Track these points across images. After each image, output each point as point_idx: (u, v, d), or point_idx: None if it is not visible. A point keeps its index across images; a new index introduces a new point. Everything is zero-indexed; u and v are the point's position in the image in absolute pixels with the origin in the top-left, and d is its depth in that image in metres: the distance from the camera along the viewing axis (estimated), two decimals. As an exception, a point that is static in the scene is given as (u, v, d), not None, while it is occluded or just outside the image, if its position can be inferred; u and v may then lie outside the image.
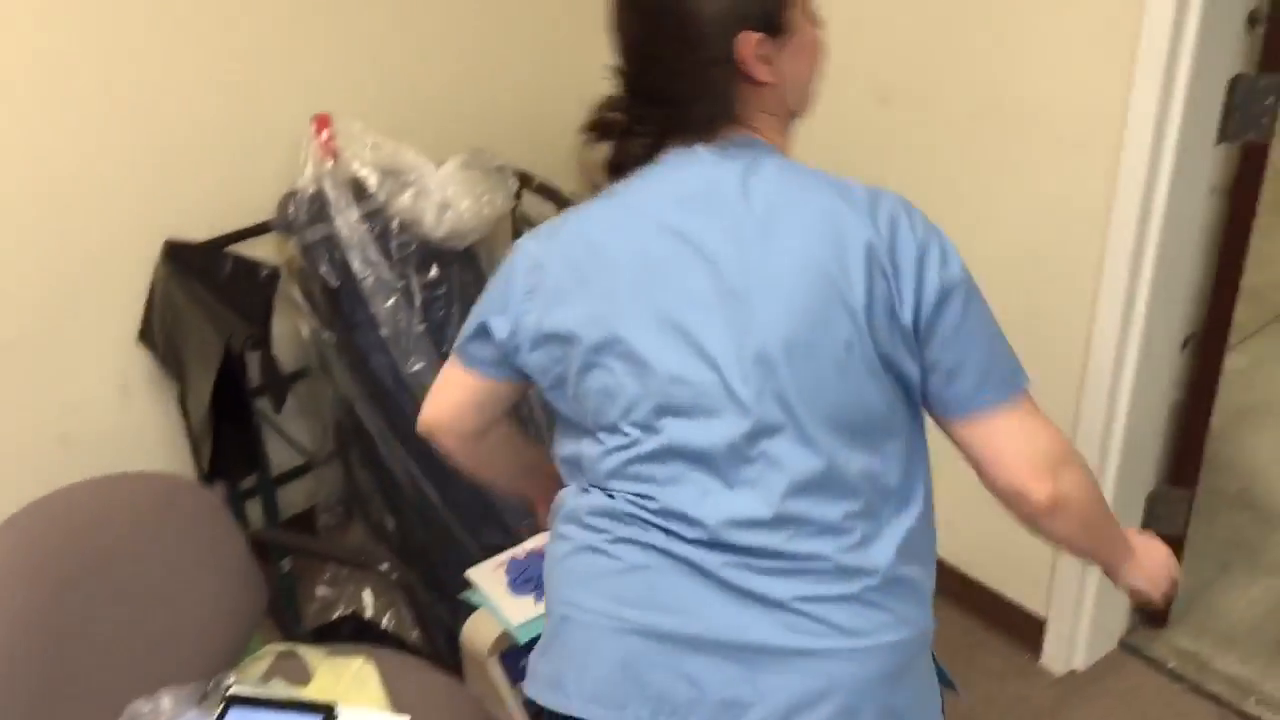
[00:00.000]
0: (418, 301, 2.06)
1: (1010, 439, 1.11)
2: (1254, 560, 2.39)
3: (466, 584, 1.72)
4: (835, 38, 2.00)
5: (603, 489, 1.15)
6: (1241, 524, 2.49)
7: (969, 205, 1.96)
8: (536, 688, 1.15)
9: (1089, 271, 1.84)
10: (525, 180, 2.28)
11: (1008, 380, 1.11)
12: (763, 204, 1.09)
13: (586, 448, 1.16)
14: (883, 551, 1.10)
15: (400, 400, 2.04)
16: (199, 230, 2.06)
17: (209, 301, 1.94)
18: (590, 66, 2.51)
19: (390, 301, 2.02)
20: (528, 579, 1.71)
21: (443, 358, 2.06)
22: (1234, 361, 2.93)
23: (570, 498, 1.19)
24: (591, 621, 1.12)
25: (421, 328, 2.04)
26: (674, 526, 1.10)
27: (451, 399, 1.29)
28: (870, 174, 2.07)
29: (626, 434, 1.12)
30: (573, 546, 1.16)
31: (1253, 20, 1.74)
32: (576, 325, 1.13)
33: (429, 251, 2.07)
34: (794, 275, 1.07)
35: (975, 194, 1.95)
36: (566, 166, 2.47)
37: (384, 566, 1.74)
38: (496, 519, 2.09)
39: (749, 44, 1.10)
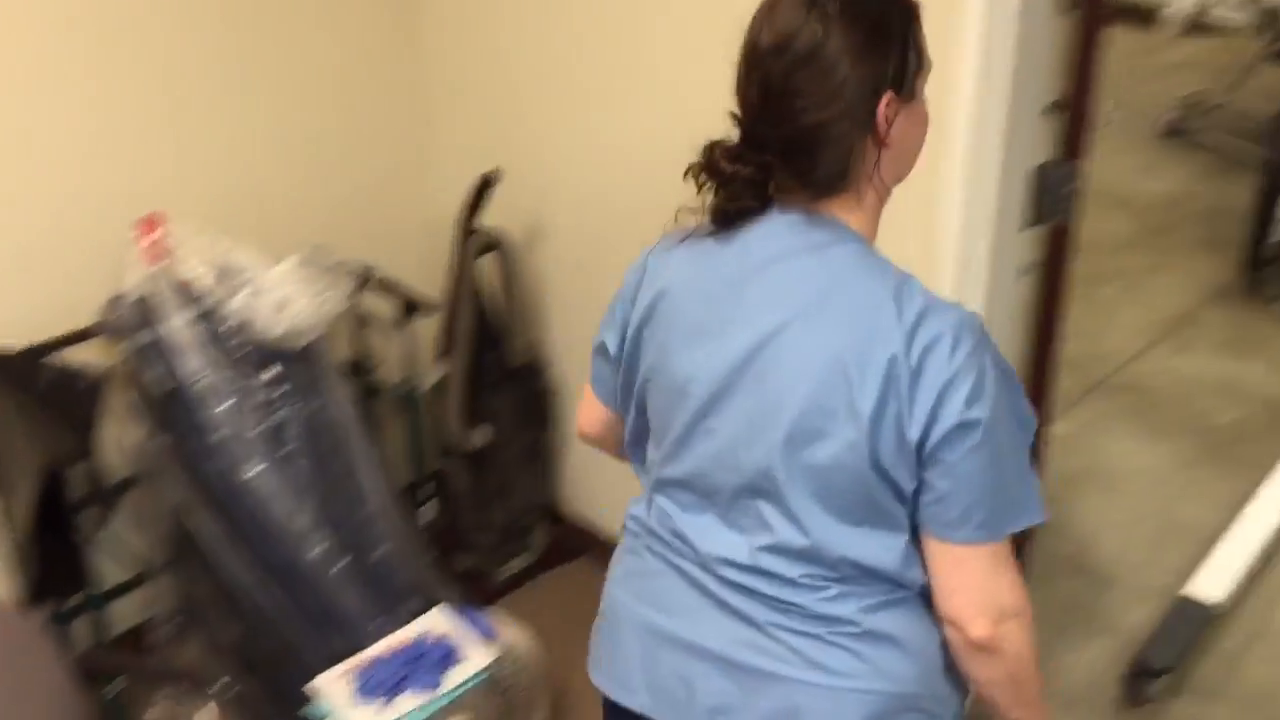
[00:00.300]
0: (256, 403, 2.01)
1: (970, 577, 1.14)
2: (1089, 622, 2.48)
3: (312, 695, 1.66)
4: (659, 125, 2.09)
5: (649, 499, 1.30)
6: (1076, 588, 2.59)
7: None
8: (589, 663, 1.33)
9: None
10: (365, 276, 2.26)
11: (991, 527, 1.13)
12: (816, 292, 1.13)
13: (651, 453, 1.30)
14: (860, 606, 1.17)
15: (237, 506, 1.97)
16: (17, 337, 1.98)
17: (29, 413, 1.86)
18: (431, 160, 2.55)
19: (225, 405, 1.96)
20: (375, 685, 1.66)
21: (284, 460, 2.02)
22: (1060, 429, 3.07)
23: (633, 503, 1.33)
24: (622, 615, 1.29)
25: (259, 430, 1.99)
26: (681, 546, 1.24)
27: (589, 415, 1.43)
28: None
29: (667, 454, 1.25)
30: (624, 547, 1.33)
31: (1055, 107, 1.86)
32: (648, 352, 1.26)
33: (266, 351, 2.03)
34: (815, 367, 1.12)
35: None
36: (408, 259, 2.47)
37: (221, 683, 1.66)
38: (343, 624, 2.03)
39: (889, 103, 1.12)
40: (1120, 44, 5.54)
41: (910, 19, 1.14)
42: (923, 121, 1.19)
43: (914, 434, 1.10)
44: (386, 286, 2.29)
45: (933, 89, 1.21)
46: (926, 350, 1.09)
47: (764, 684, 1.18)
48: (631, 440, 1.34)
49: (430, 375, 2.41)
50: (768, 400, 1.14)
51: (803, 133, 1.12)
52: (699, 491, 1.22)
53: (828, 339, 1.12)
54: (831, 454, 1.11)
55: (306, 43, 2.27)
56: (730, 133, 1.16)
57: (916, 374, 1.09)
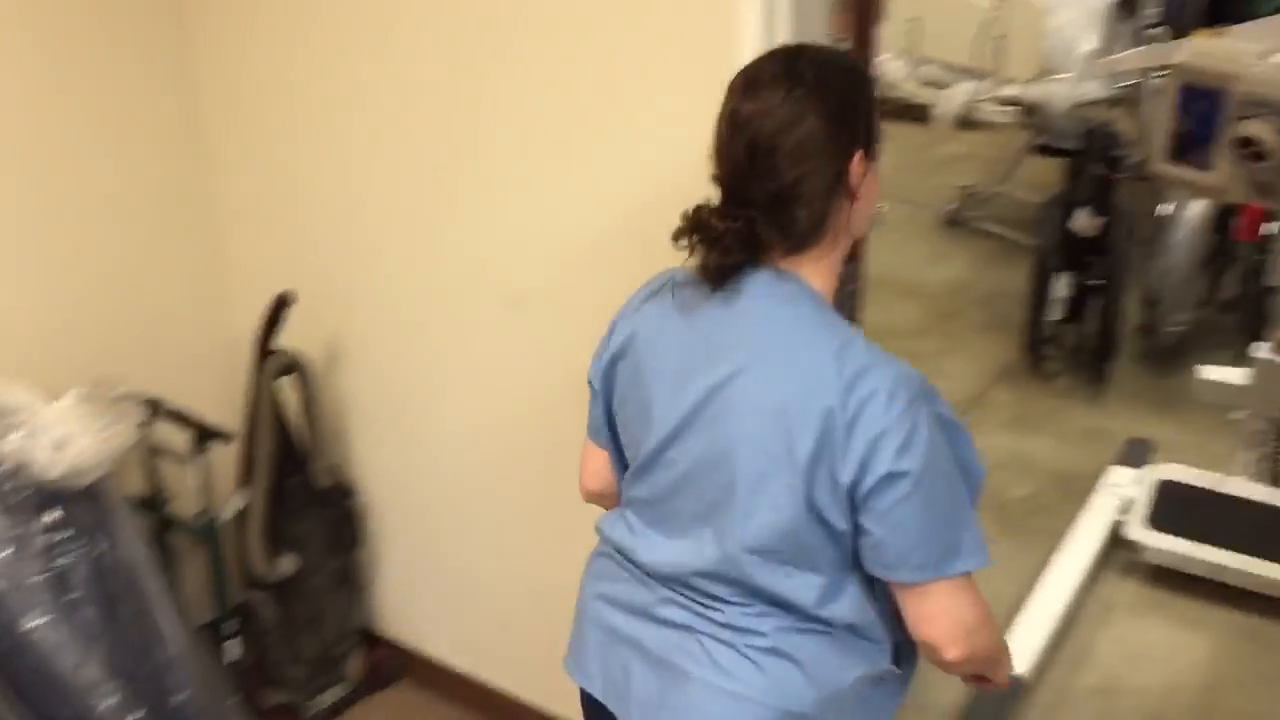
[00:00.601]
0: (35, 549, 1.89)
1: (930, 608, 1.26)
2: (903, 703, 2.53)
3: None
4: (464, 243, 2.10)
5: (621, 512, 1.46)
6: (892, 669, 2.64)
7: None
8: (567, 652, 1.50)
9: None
10: (155, 407, 2.17)
11: (929, 569, 1.24)
12: (770, 345, 1.27)
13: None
14: (777, 626, 1.31)
15: (18, 660, 1.84)
16: None
17: None
18: (225, 282, 2.49)
19: (1, 554, 1.84)
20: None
21: (69, 608, 1.90)
22: (868, 514, 3.16)
23: (606, 516, 1.49)
24: (589, 611, 1.45)
25: (40, 578, 1.87)
26: (633, 557, 1.41)
27: (590, 467, 1.55)
28: (503, 374, 2.14)
29: (633, 477, 1.41)
30: (596, 552, 1.49)
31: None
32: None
33: (46, 493, 1.91)
34: (762, 413, 1.25)
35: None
36: (204, 385, 2.38)
37: None
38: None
39: (859, 161, 1.26)
40: (901, 140, 5.89)
41: (872, 94, 1.31)
42: (877, 184, 1.32)
43: (845, 479, 1.22)
44: (177, 416, 2.20)
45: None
46: (862, 403, 1.20)
47: (680, 682, 1.33)
48: (620, 471, 1.49)
49: (230, 504, 2.32)
50: (719, 440, 1.28)
51: (786, 188, 1.24)
52: (658, 512, 1.38)
53: (775, 388, 1.25)
54: (771, 496, 1.25)
55: (84, 161, 2.19)
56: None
57: (851, 425, 1.20)
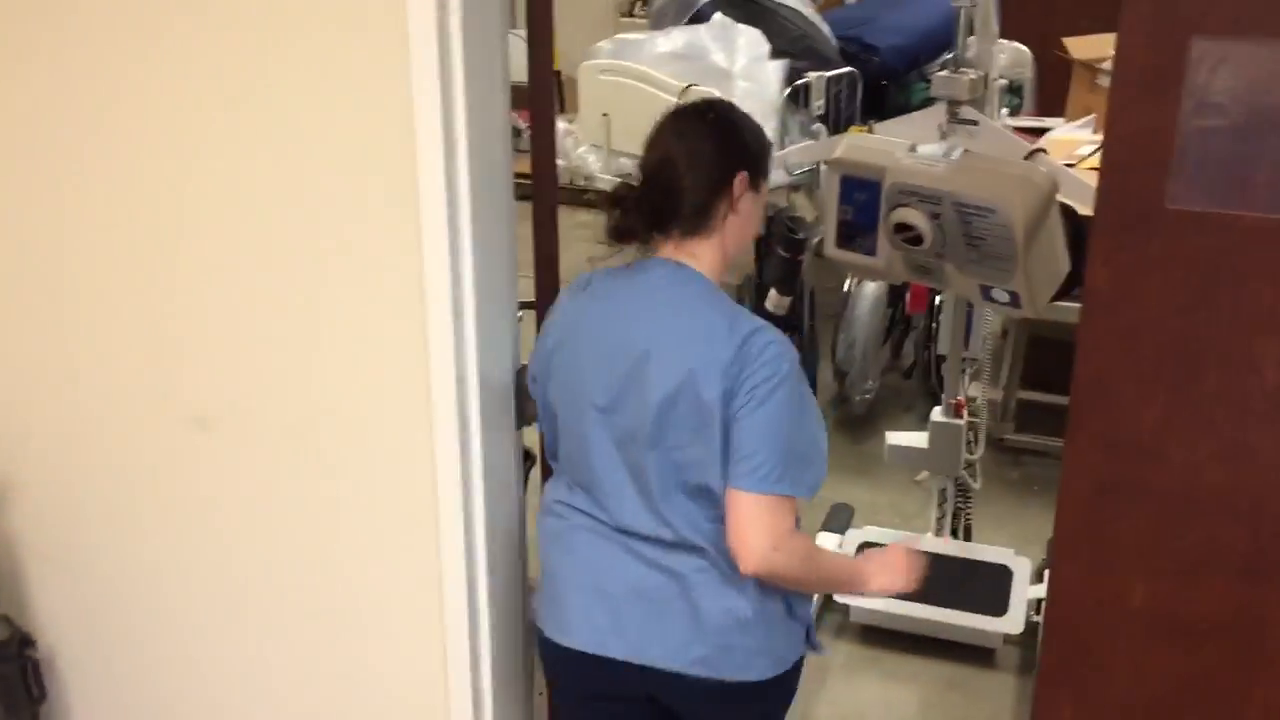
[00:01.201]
0: None
1: (741, 516, 1.61)
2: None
3: None
4: (143, 358, 1.98)
5: (567, 483, 1.79)
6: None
7: (300, 507, 1.96)
8: (537, 618, 1.84)
9: (430, 565, 1.90)
10: None
11: (764, 481, 1.59)
12: (675, 320, 1.65)
13: (564, 448, 1.79)
14: (689, 565, 1.68)
15: None
16: None
17: None
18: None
19: None
20: None
21: None
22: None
23: (552, 487, 1.84)
24: (557, 571, 1.80)
25: None
26: (593, 514, 1.74)
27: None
28: (191, 498, 2.03)
29: (575, 449, 1.75)
30: (551, 519, 1.82)
31: (524, 307, 1.97)
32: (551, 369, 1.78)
33: None
34: (675, 377, 1.62)
35: (309, 500, 1.95)
36: None
37: None
38: None
39: (742, 179, 1.68)
40: (602, 229, 6.05)
41: (762, 140, 1.75)
42: (756, 216, 1.75)
43: (732, 407, 1.60)
44: None
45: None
46: (755, 353, 1.60)
47: (656, 615, 1.69)
48: (549, 446, 1.83)
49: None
50: (643, 405, 1.63)
51: (677, 179, 1.67)
52: (599, 474, 1.70)
53: (684, 355, 1.62)
54: (693, 447, 1.61)
55: None
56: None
57: (743, 368, 1.59)
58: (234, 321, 1.89)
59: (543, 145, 1.95)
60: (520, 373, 1.95)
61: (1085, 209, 1.88)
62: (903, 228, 2.27)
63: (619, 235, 1.72)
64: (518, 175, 1.88)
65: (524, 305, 2.01)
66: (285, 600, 2.03)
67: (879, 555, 1.82)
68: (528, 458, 2.24)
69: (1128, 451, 1.66)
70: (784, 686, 1.78)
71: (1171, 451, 1.63)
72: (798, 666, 1.80)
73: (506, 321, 1.91)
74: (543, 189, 1.96)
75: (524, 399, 1.96)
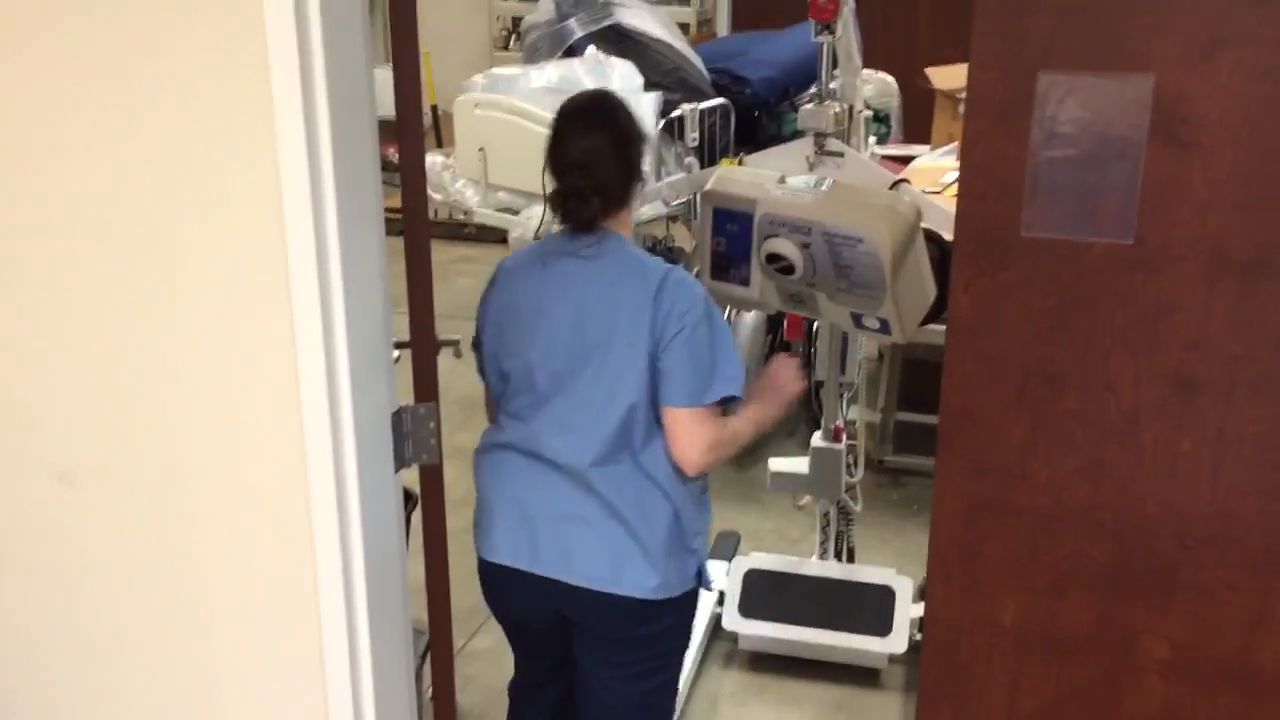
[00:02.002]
0: None
1: (680, 430, 1.96)
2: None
3: None
4: (3, 416, 1.90)
5: (507, 424, 2.12)
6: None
7: (169, 564, 1.90)
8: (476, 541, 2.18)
9: (309, 615, 1.86)
10: None
11: (693, 395, 1.95)
12: (605, 276, 2.01)
13: (512, 390, 2.11)
14: (614, 492, 2.00)
15: None
16: None
17: None
18: None
19: None
20: None
21: None
22: (481, 643, 3.13)
23: (491, 431, 2.19)
24: (494, 500, 2.16)
25: None
26: (534, 451, 2.06)
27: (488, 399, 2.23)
28: (54, 557, 1.95)
29: (519, 391, 2.08)
30: (490, 457, 2.16)
31: (400, 347, 1.95)
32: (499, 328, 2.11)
33: None
34: (609, 323, 1.98)
35: (176, 558, 1.89)
36: None
37: None
38: None
39: (643, 156, 2.10)
40: (485, 262, 6.02)
41: (644, 138, 2.12)
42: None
43: (658, 338, 1.94)
44: None
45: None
46: (672, 293, 1.96)
47: (582, 532, 2.02)
48: (497, 395, 2.13)
49: None
50: (585, 351, 1.99)
51: (606, 167, 2.01)
52: (546, 412, 2.03)
53: (617, 304, 1.98)
54: (627, 379, 1.96)
55: None
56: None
57: (667, 305, 1.94)
58: (96, 369, 1.83)
59: (413, 180, 1.93)
60: (398, 414, 1.92)
61: (950, 235, 1.94)
62: (774, 258, 2.30)
63: (588, 226, 2.03)
64: (391, 210, 1.86)
65: (400, 345, 1.98)
66: (155, 657, 1.96)
67: (764, 385, 2.23)
68: (409, 499, 2.20)
69: (995, 472, 1.70)
70: (680, 610, 2.08)
71: (1036, 471, 1.69)
72: (692, 595, 2.09)
73: (381, 362, 1.88)
74: (414, 224, 1.94)
75: (402, 440, 1.94)
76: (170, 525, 1.88)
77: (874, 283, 2.24)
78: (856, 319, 2.35)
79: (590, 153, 2.02)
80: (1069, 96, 1.52)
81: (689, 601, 2.08)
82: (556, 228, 2.11)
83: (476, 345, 2.18)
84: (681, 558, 2.04)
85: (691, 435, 1.96)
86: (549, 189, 2.08)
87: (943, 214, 2.33)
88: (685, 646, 2.17)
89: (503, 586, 2.14)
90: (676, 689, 2.28)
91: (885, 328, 2.32)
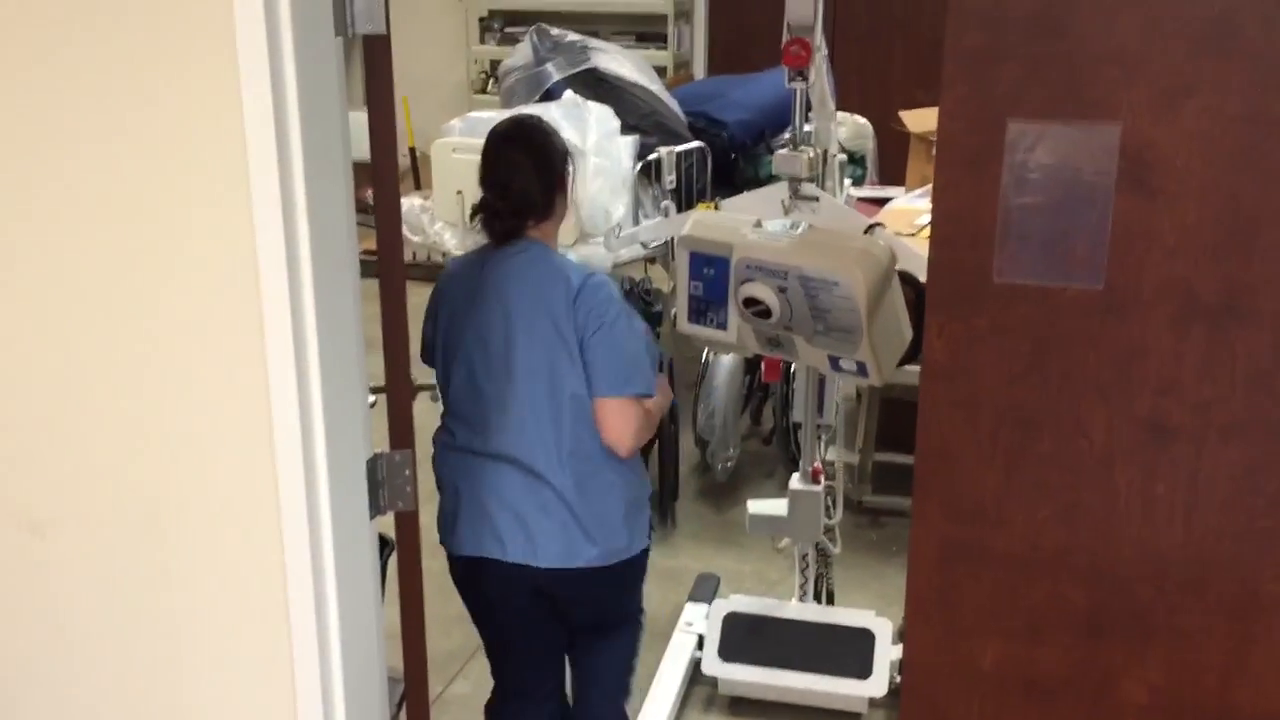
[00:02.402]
0: None
1: (608, 418, 2.22)
2: None
3: None
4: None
5: (452, 425, 2.36)
6: None
7: (144, 614, 1.88)
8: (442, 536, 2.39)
9: (284, 664, 1.84)
10: None
11: (617, 385, 2.22)
12: (529, 279, 2.25)
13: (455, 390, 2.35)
14: (566, 477, 2.25)
15: None
16: None
17: None
18: None
19: None
20: None
21: None
22: (459, 689, 3.11)
23: (443, 430, 2.39)
24: (463, 494, 2.36)
25: None
26: (482, 447, 2.30)
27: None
28: (28, 610, 1.92)
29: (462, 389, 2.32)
30: (447, 454, 2.36)
31: (375, 391, 1.94)
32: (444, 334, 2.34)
33: None
34: (538, 323, 2.22)
35: (150, 609, 1.87)
36: None
37: None
38: None
39: (568, 175, 2.36)
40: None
41: (563, 148, 2.37)
42: (565, 203, 2.38)
43: (582, 336, 2.20)
44: None
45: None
46: (591, 293, 2.22)
47: (537, 524, 2.26)
48: (442, 389, 2.36)
49: None
50: (519, 352, 2.22)
51: (521, 191, 2.27)
52: (483, 412, 2.26)
53: (540, 304, 2.22)
54: (560, 373, 2.21)
55: None
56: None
57: (586, 306, 2.20)
58: (69, 419, 1.81)
59: (388, 223, 1.92)
60: (373, 461, 1.91)
61: (924, 277, 1.95)
62: (751, 302, 2.31)
63: (507, 237, 2.28)
64: (368, 252, 1.86)
65: (375, 390, 1.98)
66: (129, 708, 1.93)
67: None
68: (385, 545, 2.19)
69: (971, 516, 1.71)
70: (636, 567, 2.40)
71: (1012, 515, 1.69)
72: (645, 552, 2.39)
73: (356, 409, 1.87)
74: (389, 268, 1.93)
75: (378, 487, 1.93)
76: (143, 576, 1.86)
77: (850, 326, 2.25)
78: (834, 362, 2.36)
79: (509, 173, 2.27)
80: (1038, 144, 1.54)
81: (645, 554, 2.40)
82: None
83: (427, 345, 2.39)
84: (630, 523, 2.31)
85: (620, 421, 2.21)
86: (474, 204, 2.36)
87: (916, 257, 2.35)
88: (640, 604, 2.56)
89: (475, 579, 2.35)
90: (634, 663, 2.62)
91: (863, 370, 2.33)
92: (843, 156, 2.92)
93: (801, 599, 3.16)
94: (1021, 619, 1.73)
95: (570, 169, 2.38)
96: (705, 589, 3.43)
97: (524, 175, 2.26)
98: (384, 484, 1.94)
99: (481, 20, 7.15)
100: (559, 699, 2.53)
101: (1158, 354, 1.58)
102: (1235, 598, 1.63)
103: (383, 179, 1.89)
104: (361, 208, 1.87)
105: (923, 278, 2.15)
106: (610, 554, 2.28)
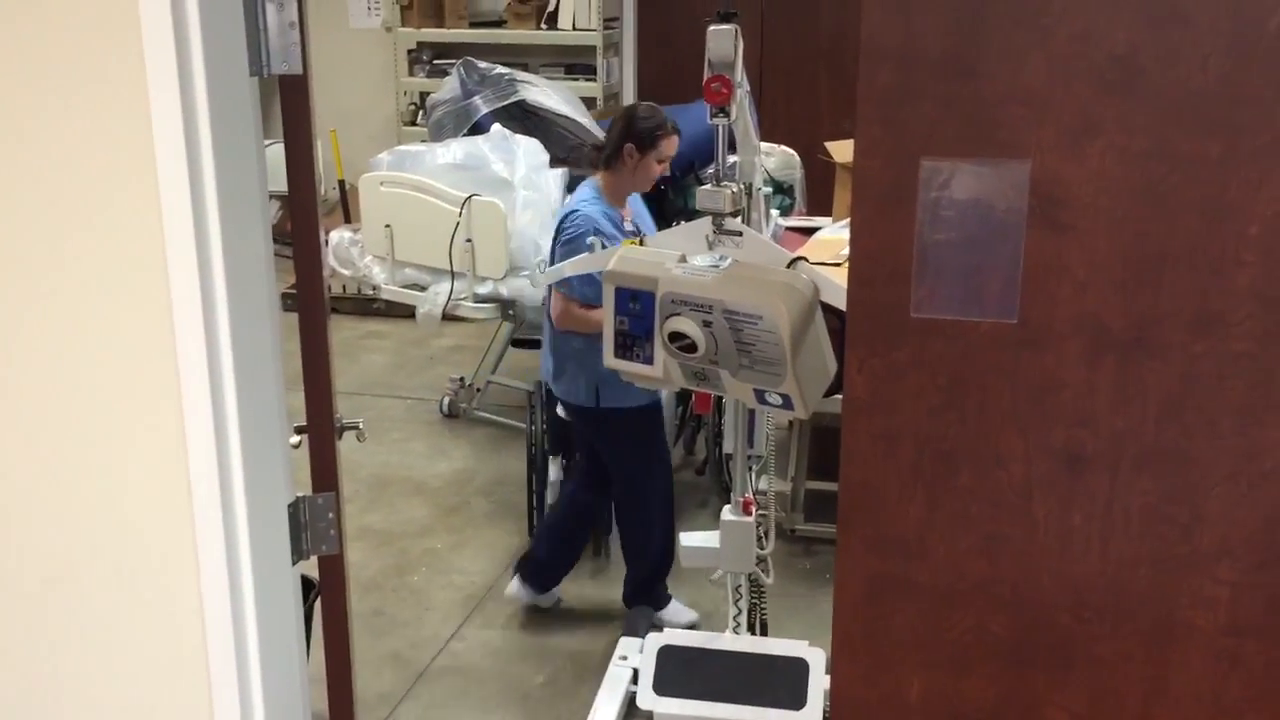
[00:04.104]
0: None
1: (554, 304, 3.33)
2: None
3: None
4: None
5: None
6: None
7: (57, 669, 1.83)
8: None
9: (203, 714, 1.80)
10: None
11: (558, 286, 3.25)
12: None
13: None
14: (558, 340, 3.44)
15: None
16: None
17: None
18: None
19: None
20: None
21: None
22: (390, 732, 3.07)
23: None
24: None
25: None
26: None
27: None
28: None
29: None
30: None
31: (297, 431, 1.92)
32: None
33: None
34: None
35: (61, 659, 1.82)
36: None
37: None
38: None
39: (631, 150, 3.31)
40: (395, 337, 5.98)
41: (638, 126, 3.34)
42: (649, 172, 3.38)
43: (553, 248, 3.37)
44: None
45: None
46: (561, 221, 3.35)
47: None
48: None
49: None
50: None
51: (611, 144, 3.37)
52: None
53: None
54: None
55: None
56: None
57: (560, 226, 3.35)
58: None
59: (307, 258, 1.90)
60: (295, 505, 1.88)
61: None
62: (677, 336, 2.32)
63: (593, 165, 3.45)
64: (292, 287, 1.84)
65: (298, 430, 1.95)
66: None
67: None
68: (310, 588, 2.15)
69: (895, 549, 1.72)
70: (602, 421, 3.44)
71: (935, 546, 1.70)
72: (635, 413, 3.38)
73: (276, 452, 1.85)
74: (310, 304, 1.91)
75: (300, 531, 1.90)
76: (54, 626, 1.82)
77: (775, 359, 2.26)
78: (760, 395, 2.37)
79: (607, 133, 3.46)
80: (951, 181, 1.56)
81: (637, 414, 3.39)
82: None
83: None
84: (579, 381, 3.37)
85: (554, 304, 3.31)
86: None
87: (838, 290, 2.37)
88: (628, 444, 3.49)
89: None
90: (643, 484, 3.54)
91: (788, 403, 2.35)
92: (768, 189, 2.95)
93: (735, 630, 3.16)
94: (946, 651, 1.74)
95: (644, 149, 3.28)
96: (639, 622, 3.42)
97: (612, 130, 3.35)
98: (307, 528, 1.91)
99: (410, 52, 7.14)
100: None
101: (1072, 386, 1.60)
102: (1152, 625, 1.66)
103: (302, 217, 1.87)
104: (289, 240, 1.85)
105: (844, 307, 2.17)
106: (568, 395, 3.45)
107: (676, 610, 3.59)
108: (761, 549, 3.13)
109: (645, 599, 3.54)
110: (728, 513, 3.01)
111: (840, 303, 2.37)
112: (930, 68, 1.54)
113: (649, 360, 2.42)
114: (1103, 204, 1.53)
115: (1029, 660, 1.72)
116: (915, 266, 1.60)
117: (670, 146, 3.33)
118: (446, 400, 5.13)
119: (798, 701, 2.95)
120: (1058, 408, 1.61)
